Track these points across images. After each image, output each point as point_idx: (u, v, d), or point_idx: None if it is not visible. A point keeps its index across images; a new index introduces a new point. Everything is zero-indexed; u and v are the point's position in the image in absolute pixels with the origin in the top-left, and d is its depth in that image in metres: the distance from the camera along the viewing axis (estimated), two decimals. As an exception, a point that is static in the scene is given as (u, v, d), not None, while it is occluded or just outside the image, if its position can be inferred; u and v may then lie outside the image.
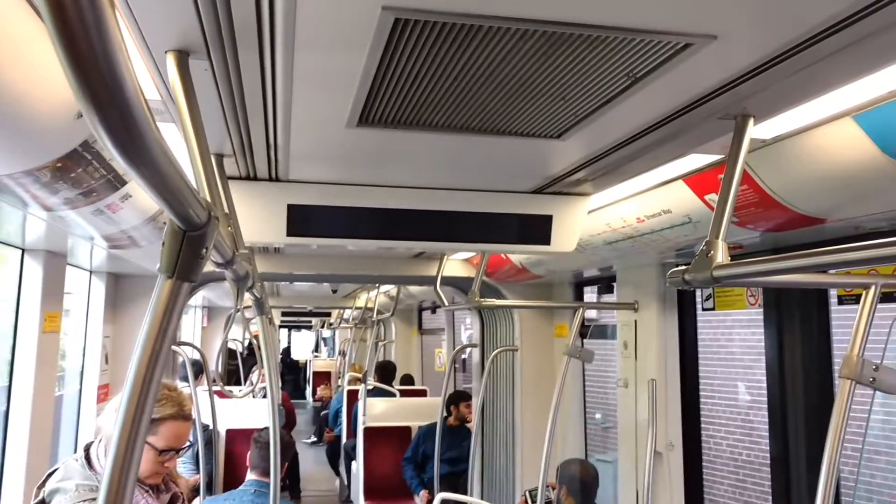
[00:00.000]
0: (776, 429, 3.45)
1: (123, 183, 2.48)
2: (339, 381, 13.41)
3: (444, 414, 6.38)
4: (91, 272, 5.07)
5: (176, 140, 1.92)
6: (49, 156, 1.90)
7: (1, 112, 1.59)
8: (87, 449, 2.49)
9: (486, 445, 6.37)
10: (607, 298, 5.09)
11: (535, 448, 5.37)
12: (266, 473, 4.00)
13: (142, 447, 0.91)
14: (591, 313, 5.64)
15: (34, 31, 1.54)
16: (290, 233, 2.74)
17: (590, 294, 5.55)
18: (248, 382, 9.33)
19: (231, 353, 12.70)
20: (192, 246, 0.94)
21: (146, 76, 1.68)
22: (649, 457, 3.81)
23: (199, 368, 5.71)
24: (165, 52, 1.50)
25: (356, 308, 11.64)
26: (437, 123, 1.98)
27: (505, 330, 6.07)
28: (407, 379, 10.67)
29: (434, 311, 11.00)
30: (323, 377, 16.99)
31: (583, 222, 2.95)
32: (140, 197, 2.72)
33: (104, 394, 5.10)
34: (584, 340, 4.91)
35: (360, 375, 9.21)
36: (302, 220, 2.75)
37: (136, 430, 0.89)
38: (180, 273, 0.94)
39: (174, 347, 5.69)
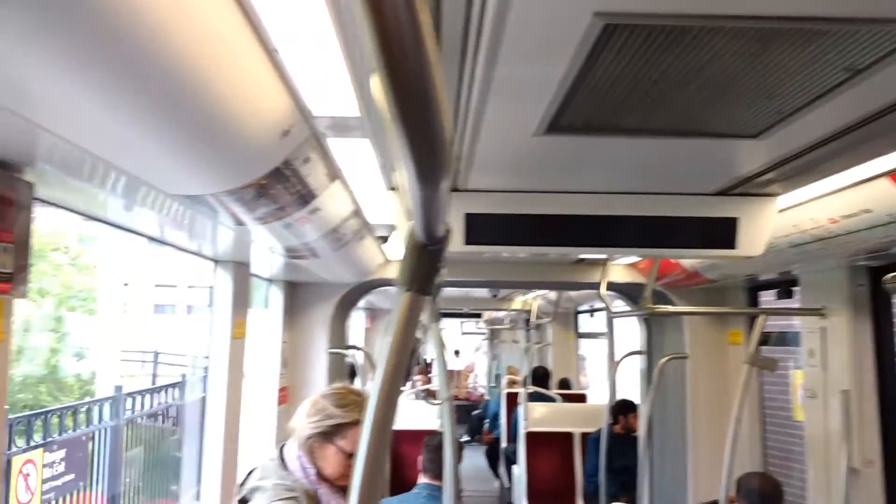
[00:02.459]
0: None
1: (314, 197, 2.60)
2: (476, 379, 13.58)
3: (611, 422, 6.22)
4: (270, 281, 5.36)
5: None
6: (256, 173, 2.02)
7: (216, 131, 1.69)
8: (281, 449, 2.62)
9: (654, 456, 6.17)
10: (786, 303, 4.81)
11: (708, 460, 5.16)
12: (437, 476, 4.06)
13: (387, 452, 0.94)
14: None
15: (245, 48, 1.62)
16: (467, 241, 2.78)
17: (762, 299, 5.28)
18: (409, 383, 9.56)
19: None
20: (430, 260, 0.96)
21: (352, 92, 1.74)
22: (844, 474, 3.55)
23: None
24: None
25: (511, 310, 11.67)
26: (627, 128, 1.93)
27: (670, 337, 5.87)
28: (563, 383, 10.57)
29: (592, 315, 10.81)
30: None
31: (772, 224, 2.79)
32: (327, 210, 2.84)
33: (284, 396, 5.37)
34: (762, 348, 4.66)
35: (518, 379, 9.20)
36: (479, 229, 2.77)
37: (383, 436, 0.92)
38: (420, 286, 0.96)
39: (341, 350, 5.93)
